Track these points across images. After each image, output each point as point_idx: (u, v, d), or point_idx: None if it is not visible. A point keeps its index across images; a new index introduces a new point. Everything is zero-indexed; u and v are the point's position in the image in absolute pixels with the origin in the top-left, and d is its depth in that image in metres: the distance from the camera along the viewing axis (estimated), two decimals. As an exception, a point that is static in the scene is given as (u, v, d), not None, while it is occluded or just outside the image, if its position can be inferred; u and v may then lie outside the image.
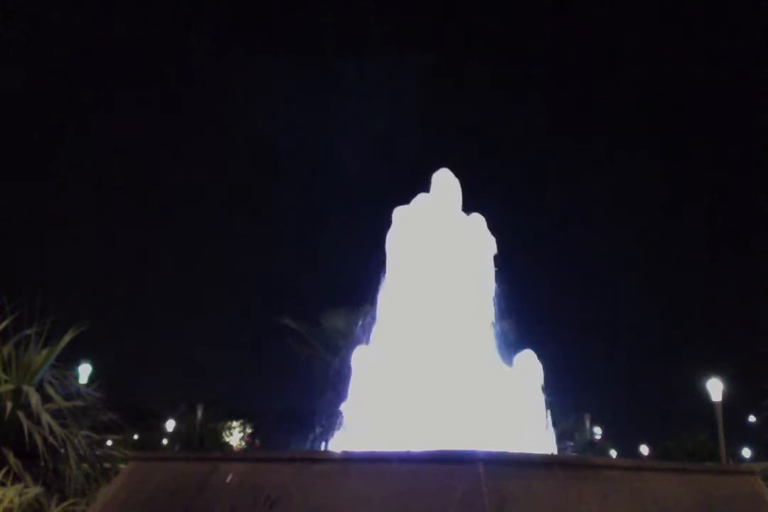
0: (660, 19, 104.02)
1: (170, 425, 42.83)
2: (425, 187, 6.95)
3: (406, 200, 6.78)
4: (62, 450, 6.74)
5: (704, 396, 25.32)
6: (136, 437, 36.17)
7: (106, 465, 7.22)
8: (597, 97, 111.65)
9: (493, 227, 6.71)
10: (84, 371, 18.26)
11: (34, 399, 6.60)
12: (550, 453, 5.65)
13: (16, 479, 6.02)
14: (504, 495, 2.91)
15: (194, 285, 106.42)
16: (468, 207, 6.86)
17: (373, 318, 6.45)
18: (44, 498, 5.97)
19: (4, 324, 7.27)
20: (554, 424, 6.06)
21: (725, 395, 24.71)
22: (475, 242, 6.61)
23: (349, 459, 3.65)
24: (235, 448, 46.32)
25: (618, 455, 43.34)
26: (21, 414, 6.45)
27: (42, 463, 6.51)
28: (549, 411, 6.01)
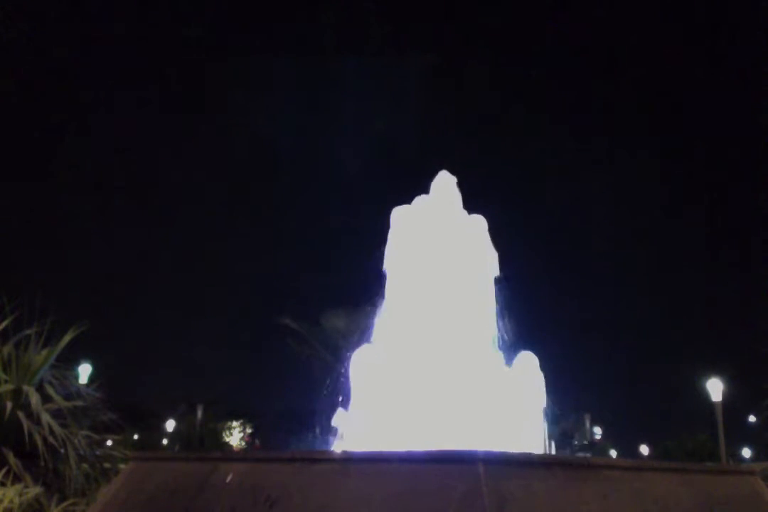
0: (660, 19, 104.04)
1: (170, 425, 42.83)
2: (425, 188, 6.95)
3: (406, 200, 6.79)
4: (62, 450, 6.74)
5: (704, 396, 25.32)
6: (136, 437, 36.17)
7: (106, 465, 7.22)
8: (597, 97, 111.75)
9: (493, 227, 6.71)
10: (84, 371, 18.26)
11: (34, 399, 6.60)
12: (549, 453, 5.66)
13: (16, 479, 6.02)
14: (504, 495, 2.91)
15: (194, 285, 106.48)
16: (468, 207, 6.86)
17: (374, 319, 6.45)
18: (44, 498, 5.97)
19: (4, 324, 7.27)
20: (554, 424, 6.06)
21: (725, 395, 24.71)
22: (475, 243, 6.61)
23: (349, 459, 3.65)
24: (235, 448, 46.32)
25: (618, 455, 43.34)
26: (21, 414, 6.45)
27: (42, 463, 6.51)
28: (549, 412, 6.01)
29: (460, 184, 6.96)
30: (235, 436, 52.26)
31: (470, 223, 6.71)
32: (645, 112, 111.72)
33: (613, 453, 43.66)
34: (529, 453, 3.79)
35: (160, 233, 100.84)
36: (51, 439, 6.47)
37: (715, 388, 24.59)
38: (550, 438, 6.00)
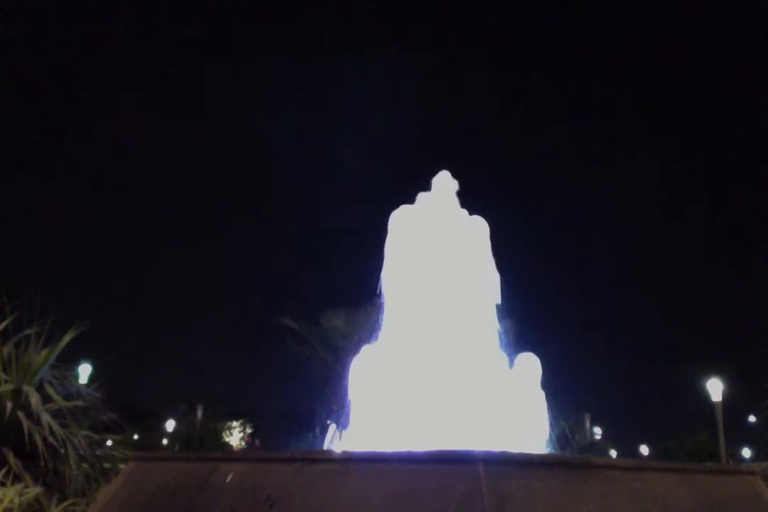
0: (660, 19, 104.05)
1: (170, 425, 42.82)
2: (425, 188, 6.95)
3: (405, 200, 6.78)
4: (62, 450, 6.74)
5: (704, 396, 25.32)
6: (136, 437, 36.16)
7: (106, 465, 7.22)
8: (597, 97, 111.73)
9: (493, 227, 6.71)
10: (84, 371, 18.26)
11: (34, 399, 6.60)
12: (550, 453, 5.65)
13: (16, 479, 6.02)
14: (504, 495, 2.91)
15: (194, 285, 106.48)
16: (468, 207, 6.86)
17: (374, 319, 6.45)
18: (44, 498, 5.97)
19: (4, 324, 7.27)
20: (554, 424, 6.06)
21: (725, 395, 24.71)
22: (475, 243, 6.61)
23: (349, 459, 3.65)
24: (235, 448, 46.32)
25: (618, 455, 43.32)
26: (21, 414, 6.45)
27: (42, 463, 6.51)
28: (549, 412, 6.01)
29: (460, 184, 6.96)
30: (235, 436, 52.26)
31: (470, 223, 6.71)
32: (645, 112, 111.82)
33: (613, 453, 43.65)
34: (529, 453, 3.78)
35: (160, 233, 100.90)
36: (51, 439, 6.47)
37: (715, 388, 24.59)
38: (550, 438, 5.99)
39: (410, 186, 6.96)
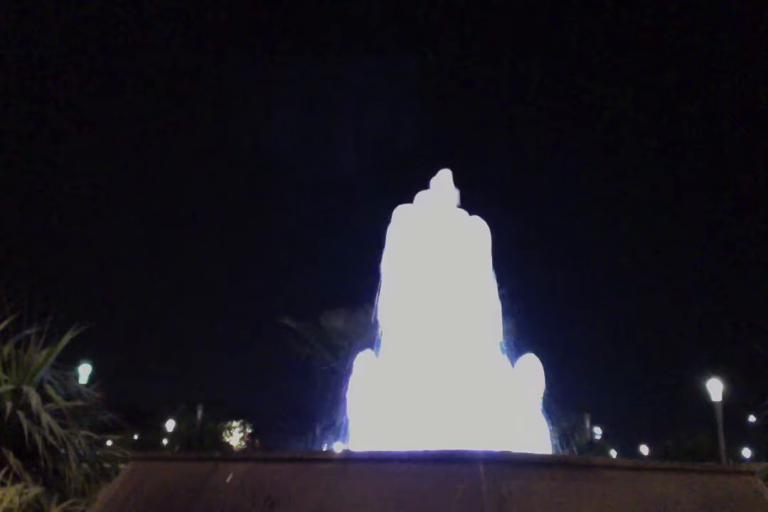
0: (660, 19, 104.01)
1: (170, 425, 42.78)
2: (425, 188, 6.94)
3: (405, 200, 6.78)
4: (62, 450, 6.74)
5: (704, 396, 25.32)
6: (136, 437, 36.19)
7: (106, 465, 7.22)
8: (597, 97, 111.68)
9: (493, 227, 6.70)
10: (84, 371, 18.25)
11: (34, 399, 6.60)
12: (549, 453, 5.65)
13: (16, 479, 6.02)
14: (504, 495, 2.91)
15: (194, 285, 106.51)
16: (468, 207, 6.85)
17: (374, 318, 6.44)
18: (44, 498, 5.97)
19: (4, 324, 7.27)
20: (554, 424, 6.06)
21: (725, 395, 24.70)
22: (476, 243, 6.60)
23: (349, 459, 3.66)
24: (235, 448, 46.33)
25: (618, 455, 43.31)
26: (21, 414, 6.45)
27: (42, 463, 6.51)
28: (549, 412, 6.00)
29: (460, 184, 6.95)
30: (235, 436, 52.26)
31: (470, 223, 6.71)
32: (645, 112, 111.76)
33: (613, 453, 43.63)
34: (529, 453, 3.79)
35: (160, 233, 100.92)
36: (51, 439, 6.46)
37: (715, 388, 24.58)
38: (550, 438, 5.99)
39: (410, 186, 6.95)
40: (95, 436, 7.32)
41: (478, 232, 6.65)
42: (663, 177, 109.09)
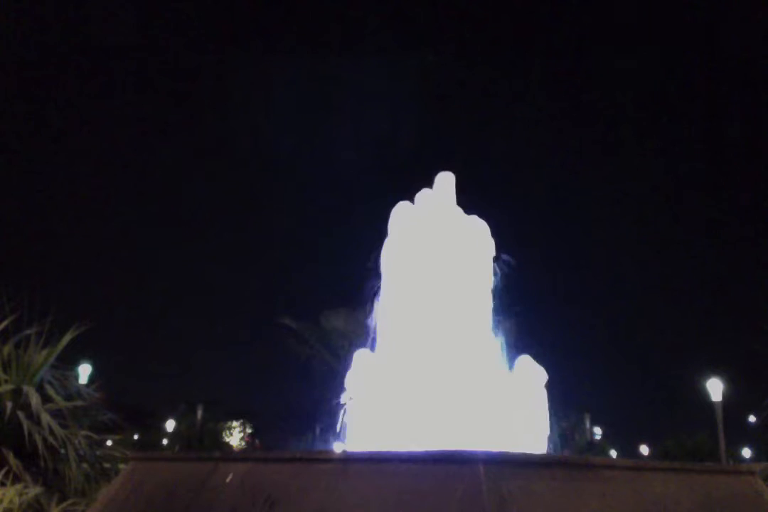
0: (660, 19, 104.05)
1: (170, 425, 42.79)
2: (425, 187, 6.94)
3: (405, 200, 6.77)
4: (62, 450, 6.74)
5: (704, 396, 25.33)
6: (136, 437, 36.19)
7: (106, 465, 7.22)
8: (597, 97, 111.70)
9: (493, 228, 6.70)
10: (84, 371, 18.26)
11: (34, 399, 6.60)
12: (549, 453, 5.66)
13: (16, 479, 6.02)
14: (504, 495, 2.91)
15: (194, 285, 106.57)
16: (468, 207, 6.85)
17: (373, 318, 6.45)
18: (44, 498, 5.97)
19: (4, 324, 7.27)
20: (554, 424, 6.06)
21: (725, 395, 24.71)
22: (476, 243, 6.60)
23: (349, 459, 3.66)
24: (235, 448, 46.35)
25: (618, 455, 43.33)
26: (21, 415, 6.45)
27: (42, 463, 6.51)
28: (549, 412, 6.00)
29: (460, 184, 6.95)
30: (235, 436, 52.29)
31: (470, 223, 6.71)
32: (646, 111, 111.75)
33: (613, 453, 43.65)
34: (529, 453, 3.79)
35: (160, 233, 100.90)
36: (51, 439, 6.47)
37: (715, 388, 24.59)
38: (550, 438, 5.99)
39: (410, 186, 6.95)
40: (95, 436, 7.33)
41: (478, 232, 6.65)
42: (663, 177, 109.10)
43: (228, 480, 3.81)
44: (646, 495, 3.57)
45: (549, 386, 6.04)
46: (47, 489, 6.18)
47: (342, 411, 6.05)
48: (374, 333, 6.37)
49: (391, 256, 6.50)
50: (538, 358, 6.12)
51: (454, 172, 7.01)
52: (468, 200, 6.91)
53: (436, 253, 6.47)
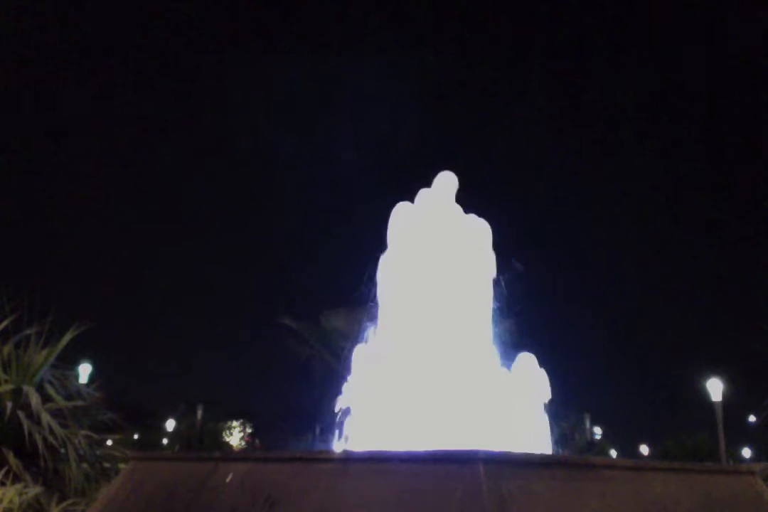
0: (660, 18, 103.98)
1: (170, 425, 42.81)
2: (425, 187, 6.93)
3: (405, 200, 6.77)
4: (62, 450, 6.74)
5: (704, 396, 25.33)
6: (136, 437, 36.20)
7: (106, 465, 7.22)
8: (597, 97, 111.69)
9: (493, 227, 6.70)
10: (84, 371, 18.27)
11: (34, 399, 6.60)
12: (549, 453, 5.65)
13: (16, 479, 6.02)
14: (504, 495, 2.91)
15: (194, 285, 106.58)
16: (469, 207, 6.85)
17: (372, 316, 6.44)
18: (44, 498, 5.97)
19: (4, 324, 7.27)
20: (554, 424, 6.05)
21: (725, 395, 24.72)
22: (476, 243, 6.60)
23: (349, 459, 3.65)
24: (235, 448, 46.34)
25: (618, 455, 43.33)
26: (21, 414, 6.45)
27: (42, 463, 6.51)
28: (549, 412, 6.00)
29: (461, 184, 6.94)
30: (235, 436, 52.31)
31: (471, 223, 6.70)
32: (646, 111, 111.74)
33: (613, 453, 43.65)
34: (529, 453, 3.79)
35: (160, 233, 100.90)
36: (51, 439, 6.47)
37: (715, 388, 24.60)
38: (550, 438, 5.99)
39: (410, 186, 6.95)
40: (95, 436, 7.33)
41: (478, 232, 6.65)
42: (663, 177, 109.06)
43: (228, 480, 3.81)
44: (646, 495, 3.57)
45: (549, 386, 6.04)
46: (47, 489, 6.19)
47: (339, 412, 6.05)
48: (369, 330, 6.37)
49: (390, 255, 6.49)
50: (538, 358, 6.12)
51: (454, 172, 7.00)
52: (468, 200, 6.91)
53: (436, 252, 6.47)
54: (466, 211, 6.82)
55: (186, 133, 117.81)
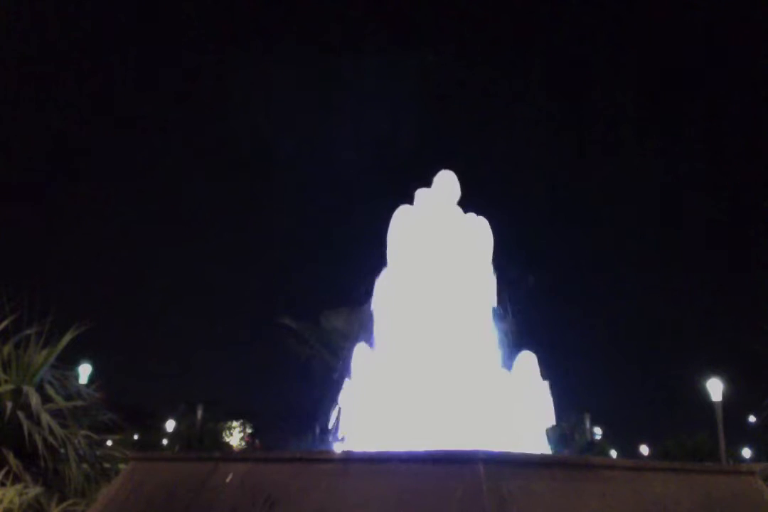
0: (660, 18, 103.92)
1: (170, 425, 42.80)
2: (425, 187, 6.93)
3: (405, 200, 6.77)
4: (62, 450, 6.74)
5: (704, 396, 25.33)
6: (136, 437, 36.19)
7: (106, 465, 7.22)
8: (599, 96, 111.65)
9: (493, 228, 6.70)
10: (84, 371, 18.27)
11: (34, 399, 6.60)
12: (549, 453, 5.65)
13: (16, 479, 6.02)
14: (504, 495, 2.91)
15: (194, 285, 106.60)
16: (469, 207, 6.85)
17: (372, 316, 6.44)
18: (44, 498, 5.97)
19: (4, 324, 7.27)
20: (554, 424, 6.06)
21: (725, 395, 24.72)
22: (476, 243, 6.60)
23: (349, 459, 3.66)
24: (235, 448, 46.35)
25: (618, 455, 43.33)
26: (21, 415, 6.45)
27: (42, 463, 6.51)
28: (549, 412, 6.00)
29: (461, 184, 6.94)
30: (235, 436, 52.31)
31: (472, 223, 6.71)
32: (647, 111, 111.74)
33: (613, 453, 43.65)
34: (529, 453, 3.79)
35: (160, 232, 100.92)
36: (51, 439, 6.47)
37: (715, 388, 24.60)
38: (550, 438, 5.99)
39: (410, 186, 6.95)
40: (95, 436, 7.33)
41: (479, 232, 6.65)
42: (663, 177, 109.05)
43: (228, 480, 3.81)
44: (646, 495, 3.57)
45: (549, 386, 6.05)
46: (47, 489, 6.19)
47: (336, 412, 6.05)
48: (371, 331, 6.37)
49: (392, 256, 6.50)
50: (538, 358, 6.12)
51: (454, 172, 7.01)
52: (468, 200, 6.91)
53: (436, 251, 6.47)
54: (466, 210, 6.82)
55: (186, 133, 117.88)
